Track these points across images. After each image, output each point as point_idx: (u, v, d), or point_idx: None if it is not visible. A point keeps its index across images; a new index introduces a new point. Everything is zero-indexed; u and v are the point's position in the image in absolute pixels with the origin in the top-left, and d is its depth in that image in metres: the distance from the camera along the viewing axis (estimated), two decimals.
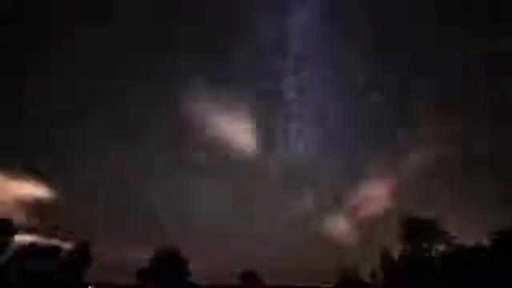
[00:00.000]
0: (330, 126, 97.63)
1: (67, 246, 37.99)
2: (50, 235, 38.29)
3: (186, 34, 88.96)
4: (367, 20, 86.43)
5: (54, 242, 38.37)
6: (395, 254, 41.75)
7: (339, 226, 74.70)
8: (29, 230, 37.52)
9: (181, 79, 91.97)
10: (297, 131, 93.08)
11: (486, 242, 34.26)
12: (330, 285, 49.72)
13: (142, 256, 43.67)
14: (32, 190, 67.44)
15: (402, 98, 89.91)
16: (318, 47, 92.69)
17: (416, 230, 39.54)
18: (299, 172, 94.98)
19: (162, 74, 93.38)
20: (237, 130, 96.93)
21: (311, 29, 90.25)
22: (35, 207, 65.34)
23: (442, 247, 37.73)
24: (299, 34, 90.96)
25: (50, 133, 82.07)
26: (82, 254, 39.87)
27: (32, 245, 37.02)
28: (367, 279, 45.53)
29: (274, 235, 76.46)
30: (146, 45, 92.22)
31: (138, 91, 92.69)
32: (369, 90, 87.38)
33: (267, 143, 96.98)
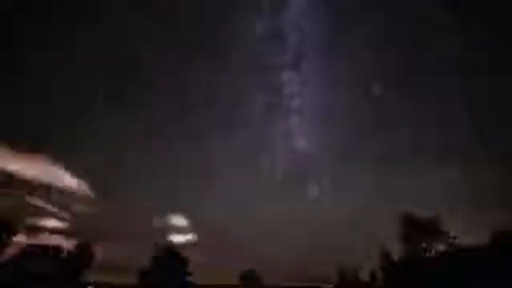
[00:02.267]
0: (332, 122, 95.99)
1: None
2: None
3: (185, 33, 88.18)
4: (368, 11, 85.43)
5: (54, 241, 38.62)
6: (395, 254, 41.73)
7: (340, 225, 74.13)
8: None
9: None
10: (298, 127, 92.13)
11: (486, 241, 34.13)
12: (330, 285, 49.72)
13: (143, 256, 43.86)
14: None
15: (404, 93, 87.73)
16: (318, 40, 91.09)
17: (416, 229, 39.42)
18: (300, 169, 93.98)
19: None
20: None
21: (311, 21, 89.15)
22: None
23: (442, 247, 37.61)
24: (298, 27, 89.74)
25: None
26: (82, 254, 40.07)
27: (32, 245, 37.24)
28: (367, 279, 45.48)
29: (275, 234, 75.98)
30: (145, 45, 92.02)
31: (135, 92, 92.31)
32: (371, 84, 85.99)
33: (268, 139, 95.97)
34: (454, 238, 37.42)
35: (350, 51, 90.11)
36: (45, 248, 37.89)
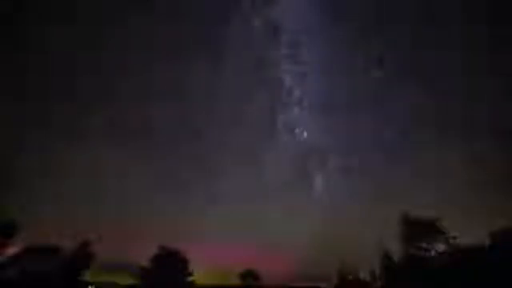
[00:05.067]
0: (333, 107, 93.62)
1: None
2: None
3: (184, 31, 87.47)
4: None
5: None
6: (395, 254, 41.77)
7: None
8: None
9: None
10: (299, 116, 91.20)
11: (486, 241, 34.17)
12: (330, 285, 49.71)
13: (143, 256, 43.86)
14: None
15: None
16: (314, 26, 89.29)
17: (416, 229, 39.46)
18: (303, 160, 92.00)
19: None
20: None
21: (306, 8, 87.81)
22: None
23: (441, 247, 37.66)
24: (293, 14, 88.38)
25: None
26: (82, 254, 40.10)
27: (32, 245, 37.29)
28: (367, 279, 45.51)
29: (275, 234, 75.64)
30: (145, 44, 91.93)
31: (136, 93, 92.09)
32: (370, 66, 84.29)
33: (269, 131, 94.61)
34: (454, 237, 37.48)
35: (349, 36, 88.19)
36: (45, 248, 37.93)
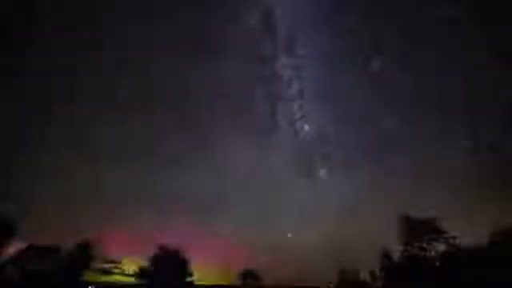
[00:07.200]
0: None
1: None
2: None
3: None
4: None
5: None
6: (395, 254, 41.82)
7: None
8: None
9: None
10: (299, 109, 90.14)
11: (486, 241, 34.20)
12: (330, 285, 49.73)
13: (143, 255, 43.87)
14: None
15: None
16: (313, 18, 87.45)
17: (416, 229, 39.53)
18: (305, 154, 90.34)
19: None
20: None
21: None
22: None
23: (442, 247, 37.73)
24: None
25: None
26: (82, 254, 40.11)
27: (32, 245, 37.31)
28: (367, 279, 45.55)
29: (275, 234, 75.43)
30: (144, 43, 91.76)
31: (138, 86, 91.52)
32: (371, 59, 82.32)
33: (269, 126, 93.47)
34: (454, 237, 37.54)
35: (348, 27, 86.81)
36: (45, 248, 37.96)
